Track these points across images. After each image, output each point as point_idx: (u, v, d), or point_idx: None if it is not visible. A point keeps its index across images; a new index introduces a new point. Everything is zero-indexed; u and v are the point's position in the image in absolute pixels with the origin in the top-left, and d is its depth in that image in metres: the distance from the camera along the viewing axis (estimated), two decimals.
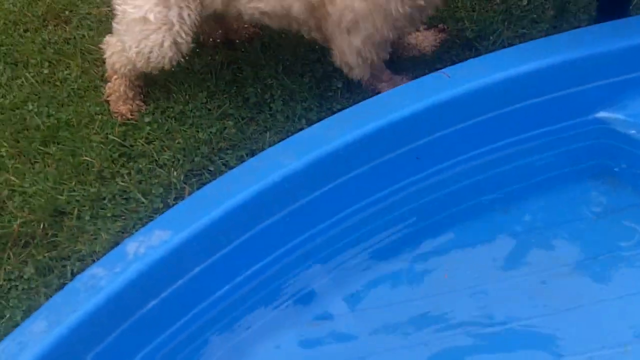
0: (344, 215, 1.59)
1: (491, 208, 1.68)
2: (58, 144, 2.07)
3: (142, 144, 2.03)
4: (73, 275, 1.76)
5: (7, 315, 1.72)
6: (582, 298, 1.51)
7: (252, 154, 1.91)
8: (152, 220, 1.55)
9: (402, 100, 1.61)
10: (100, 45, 2.11)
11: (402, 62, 2.10)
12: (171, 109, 2.10)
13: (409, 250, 1.63)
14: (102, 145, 2.03)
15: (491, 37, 2.13)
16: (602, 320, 1.48)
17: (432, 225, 1.64)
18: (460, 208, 1.66)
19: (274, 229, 1.52)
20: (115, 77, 2.08)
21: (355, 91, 2.02)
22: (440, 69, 1.67)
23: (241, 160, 1.88)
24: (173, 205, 1.73)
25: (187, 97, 2.12)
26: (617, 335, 1.46)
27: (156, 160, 1.99)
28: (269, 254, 1.54)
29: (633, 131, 1.63)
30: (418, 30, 2.09)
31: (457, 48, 2.15)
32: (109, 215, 1.88)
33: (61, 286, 1.62)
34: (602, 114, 1.66)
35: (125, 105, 2.09)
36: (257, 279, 1.55)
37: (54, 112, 2.15)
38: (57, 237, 1.87)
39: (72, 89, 2.22)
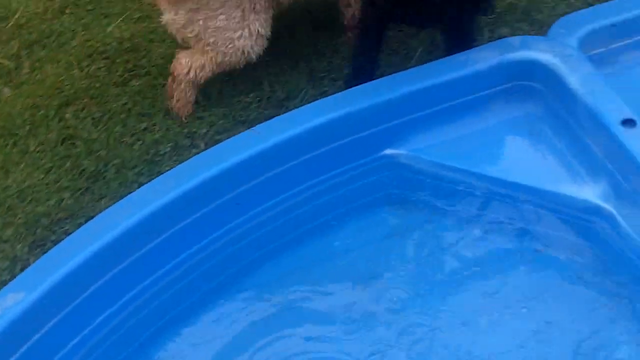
0: (172, 266, 1.81)
1: (310, 235, 1.95)
2: None
3: None
4: None
5: None
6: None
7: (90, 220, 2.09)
8: None
9: (221, 155, 1.86)
10: None
11: None
12: (10, 188, 2.24)
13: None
14: None
15: (299, 96, 2.44)
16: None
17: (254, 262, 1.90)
18: (278, 243, 1.92)
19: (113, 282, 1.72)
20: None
21: (181, 153, 2.25)
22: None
23: (79, 226, 2.05)
24: None
25: (24, 175, 2.27)
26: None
27: (0, 237, 2.12)
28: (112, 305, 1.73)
29: (414, 162, 1.98)
30: None
31: (270, 108, 2.43)
32: None
33: None
34: (388, 151, 2.00)
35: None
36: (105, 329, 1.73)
37: None
38: None
39: None
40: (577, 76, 1.95)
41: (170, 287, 1.80)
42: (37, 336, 1.59)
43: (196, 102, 2.40)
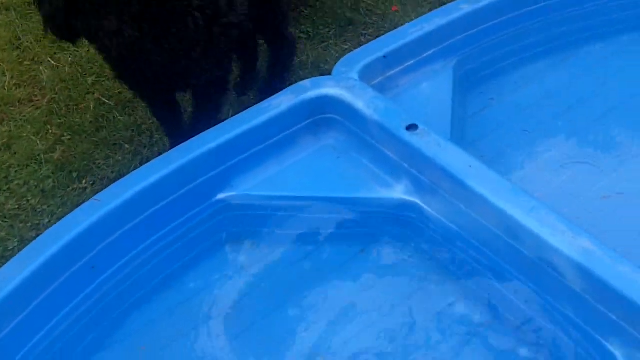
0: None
1: (169, 281, 2.15)
2: None
3: None
4: None
5: None
6: None
7: None
8: None
9: (70, 225, 2.02)
10: None
11: None
12: None
13: None
14: None
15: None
16: None
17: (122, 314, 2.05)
18: (137, 295, 2.09)
19: None
20: None
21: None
22: None
23: None
24: None
25: None
26: None
27: None
28: None
29: (244, 200, 2.23)
30: None
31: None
32: None
33: None
34: (220, 196, 2.24)
35: None
36: None
37: None
38: None
39: None
40: (362, 100, 2.30)
41: None
42: None
43: None
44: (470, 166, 2.08)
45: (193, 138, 2.24)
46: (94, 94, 2.94)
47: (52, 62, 3.10)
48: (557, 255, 1.88)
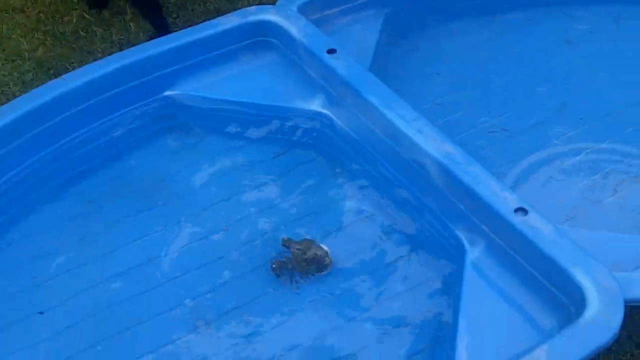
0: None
1: (115, 159, 2.59)
2: None
3: None
4: None
5: None
6: None
7: None
8: None
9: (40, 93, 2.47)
10: None
11: None
12: None
13: None
14: None
15: None
16: None
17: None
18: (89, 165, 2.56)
19: None
20: None
21: None
22: None
23: None
24: None
25: None
26: None
27: None
28: None
29: (187, 100, 2.68)
30: None
31: None
32: None
33: None
34: (167, 92, 2.69)
35: None
36: None
37: None
38: None
39: None
40: (295, 27, 2.74)
41: None
42: None
43: None
44: (371, 83, 2.53)
45: (149, 41, 2.69)
46: (77, 10, 3.38)
47: None
48: (426, 157, 2.33)
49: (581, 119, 2.80)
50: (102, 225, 2.43)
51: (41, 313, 2.19)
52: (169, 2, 3.41)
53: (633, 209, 2.50)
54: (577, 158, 2.66)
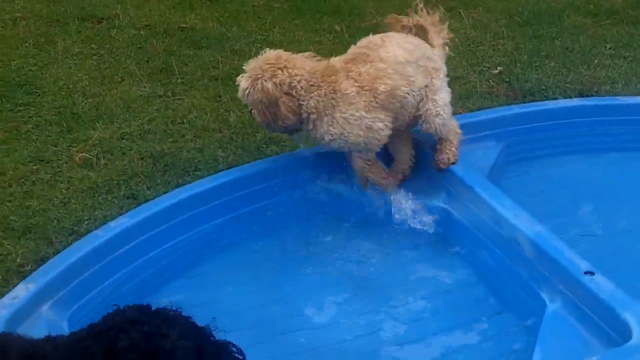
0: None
1: None
2: None
3: None
4: None
5: None
6: None
7: None
8: None
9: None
10: None
11: None
12: None
13: None
14: None
15: None
16: None
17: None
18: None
19: None
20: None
21: None
22: None
23: None
24: None
25: None
26: None
27: None
28: None
29: None
30: None
31: None
32: None
33: None
34: None
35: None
36: None
37: None
38: None
39: None
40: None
41: None
42: None
43: None
44: (481, 182, 3.28)
45: None
46: None
47: None
48: (520, 234, 3.00)
49: None
50: None
51: None
52: None
53: None
54: None
